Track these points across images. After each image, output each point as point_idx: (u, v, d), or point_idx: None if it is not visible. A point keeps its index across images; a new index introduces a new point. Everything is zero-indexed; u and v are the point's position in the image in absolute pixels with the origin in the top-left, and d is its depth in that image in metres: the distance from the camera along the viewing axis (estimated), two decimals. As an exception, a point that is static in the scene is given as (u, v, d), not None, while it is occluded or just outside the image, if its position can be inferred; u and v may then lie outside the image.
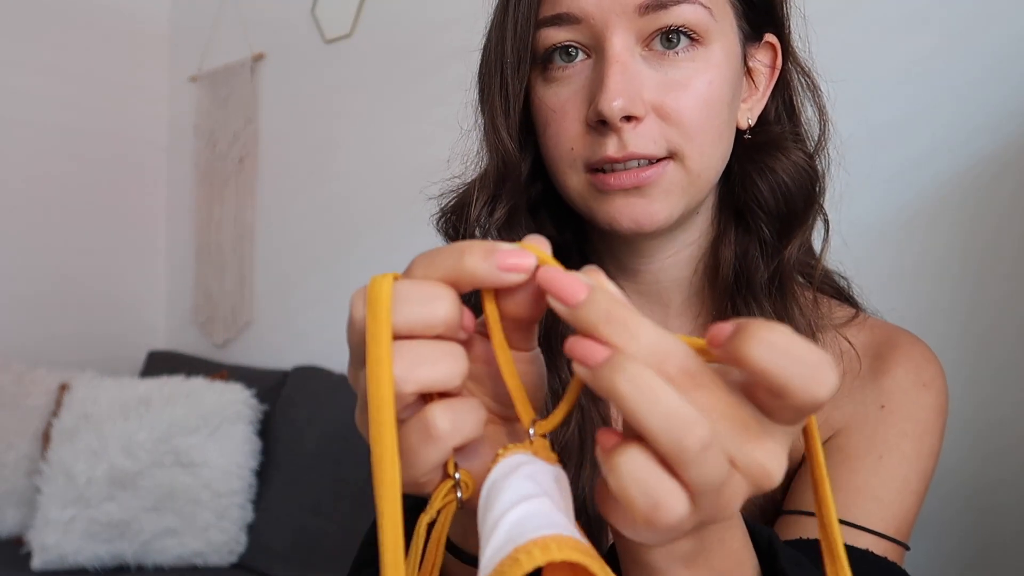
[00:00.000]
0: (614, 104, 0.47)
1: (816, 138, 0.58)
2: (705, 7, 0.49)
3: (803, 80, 0.58)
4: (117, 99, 2.59)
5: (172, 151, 2.72)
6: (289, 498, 1.81)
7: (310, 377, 1.99)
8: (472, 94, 0.59)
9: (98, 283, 2.55)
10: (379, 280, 0.30)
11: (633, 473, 0.27)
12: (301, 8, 2.25)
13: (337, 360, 2.06)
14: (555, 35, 0.50)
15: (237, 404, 1.87)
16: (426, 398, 0.32)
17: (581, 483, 0.53)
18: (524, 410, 0.33)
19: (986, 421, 1.14)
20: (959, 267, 1.17)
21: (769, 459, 0.29)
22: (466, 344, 0.33)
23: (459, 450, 0.33)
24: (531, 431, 0.32)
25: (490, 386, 0.35)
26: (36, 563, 1.73)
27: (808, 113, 0.59)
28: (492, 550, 0.27)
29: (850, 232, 1.25)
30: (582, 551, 0.26)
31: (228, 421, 1.83)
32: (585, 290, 0.28)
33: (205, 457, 1.78)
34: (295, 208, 2.31)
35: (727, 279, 0.56)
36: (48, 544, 1.72)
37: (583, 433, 0.54)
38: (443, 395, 0.32)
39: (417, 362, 0.29)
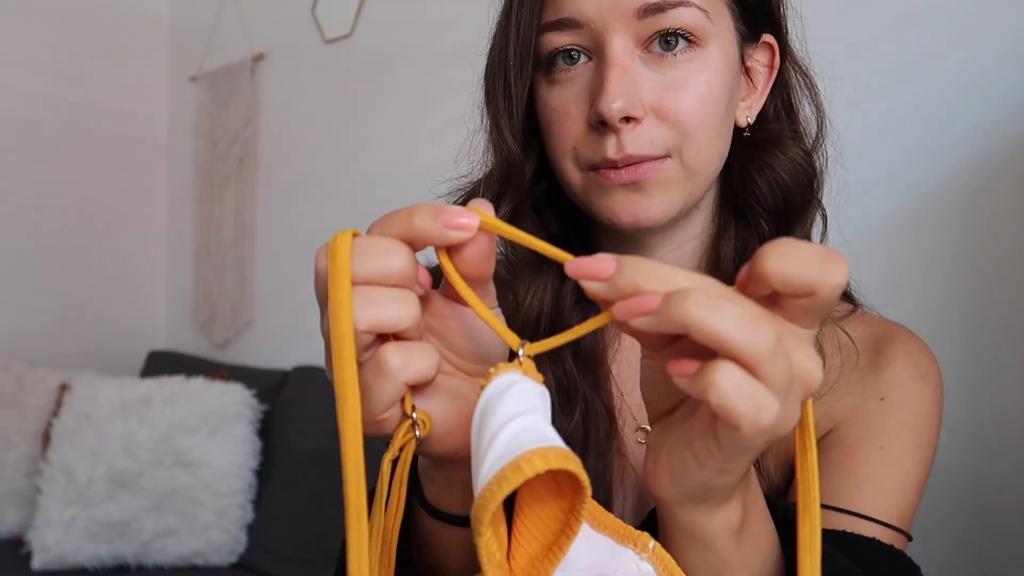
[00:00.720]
0: (614, 105, 0.48)
1: (814, 135, 0.59)
2: (702, 10, 0.50)
3: (800, 79, 0.59)
4: (117, 99, 2.59)
5: (172, 151, 2.72)
6: (289, 498, 1.81)
7: (310, 377, 1.99)
8: (478, 96, 0.60)
9: (98, 283, 2.55)
10: (340, 235, 0.34)
11: (733, 383, 0.29)
12: (301, 8, 2.25)
13: (337, 360, 2.06)
14: (557, 39, 0.52)
15: (237, 404, 1.87)
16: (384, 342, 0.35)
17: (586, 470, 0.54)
18: (506, 334, 0.36)
19: (981, 420, 1.14)
20: (956, 266, 1.17)
21: (808, 361, 0.32)
22: (424, 300, 0.36)
23: (417, 392, 0.37)
24: (520, 352, 0.35)
25: (450, 340, 0.38)
26: (36, 563, 1.73)
27: (806, 111, 0.60)
28: (493, 459, 0.30)
29: (847, 230, 1.25)
30: (574, 462, 0.30)
31: (228, 421, 1.83)
32: (613, 262, 0.31)
33: (205, 457, 1.78)
34: (295, 208, 2.31)
35: (728, 273, 0.57)
36: (48, 544, 1.72)
37: (587, 424, 0.56)
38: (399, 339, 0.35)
39: (369, 303, 0.33)
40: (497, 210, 0.55)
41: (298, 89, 2.30)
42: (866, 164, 1.25)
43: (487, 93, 0.58)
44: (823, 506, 0.51)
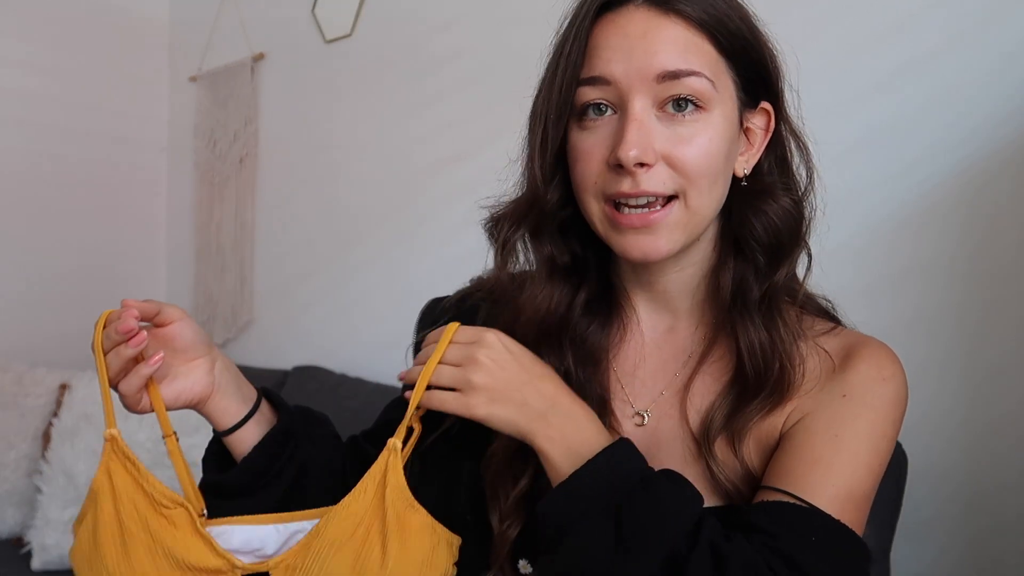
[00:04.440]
0: (631, 153, 0.59)
1: (804, 186, 0.69)
2: (709, 80, 0.61)
3: (794, 141, 0.69)
4: (117, 99, 2.59)
5: (172, 151, 2.72)
6: (289, 498, 1.81)
7: (310, 377, 1.99)
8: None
9: (98, 283, 2.55)
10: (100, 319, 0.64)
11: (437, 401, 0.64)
12: (301, 8, 2.25)
13: (337, 360, 2.06)
14: (590, 93, 0.62)
15: (237, 404, 1.86)
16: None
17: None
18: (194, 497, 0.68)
19: (984, 422, 1.14)
20: (956, 267, 1.17)
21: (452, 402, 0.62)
22: (153, 338, 0.66)
23: (162, 380, 0.67)
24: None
25: (169, 353, 0.67)
26: (36, 563, 1.73)
27: (799, 167, 0.70)
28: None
29: (848, 231, 1.25)
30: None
31: (228, 421, 1.83)
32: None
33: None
34: (295, 208, 2.31)
35: (726, 297, 0.68)
36: (48, 544, 1.72)
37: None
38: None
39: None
40: (518, 230, 0.70)
41: (298, 89, 2.30)
42: (868, 165, 1.25)
43: (530, 132, 0.68)
44: (771, 488, 0.60)
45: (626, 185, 0.61)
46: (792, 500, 0.58)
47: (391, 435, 0.65)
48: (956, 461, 1.16)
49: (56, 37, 2.43)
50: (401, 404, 0.78)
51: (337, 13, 2.15)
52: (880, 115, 1.24)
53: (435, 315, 0.79)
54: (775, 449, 0.64)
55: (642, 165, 0.60)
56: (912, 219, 1.21)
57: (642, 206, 0.62)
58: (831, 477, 0.59)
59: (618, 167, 0.61)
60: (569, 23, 0.65)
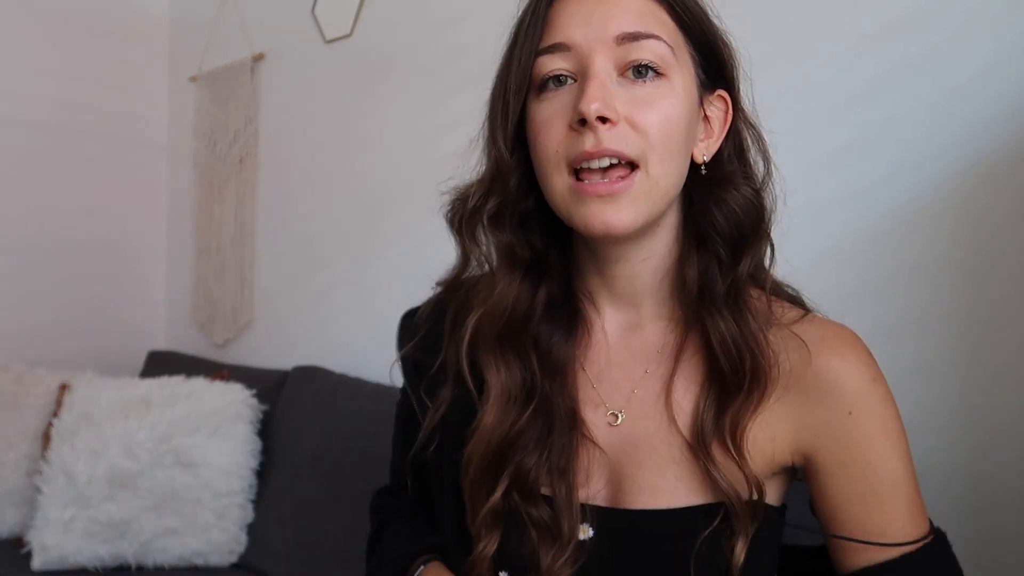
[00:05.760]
0: (592, 106, 0.58)
1: (762, 176, 0.69)
2: (668, 45, 0.62)
3: (750, 132, 0.70)
4: (117, 99, 2.59)
5: (172, 151, 2.72)
6: (289, 498, 1.81)
7: (310, 377, 1.99)
8: (479, 106, 0.70)
9: (98, 283, 2.55)
10: None
11: None
12: (301, 8, 2.25)
13: (337, 360, 2.06)
14: (550, 62, 0.62)
15: (237, 404, 1.86)
16: None
17: (548, 455, 0.66)
18: None
19: (972, 420, 1.14)
20: (945, 267, 1.17)
21: None
22: None
23: None
24: None
25: None
26: (36, 563, 1.73)
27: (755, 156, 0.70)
28: None
29: (839, 232, 1.25)
30: None
31: (228, 421, 1.83)
32: None
33: (205, 457, 1.78)
34: (295, 208, 2.31)
35: (693, 292, 0.67)
36: (48, 544, 1.72)
37: (551, 420, 0.65)
38: None
39: None
40: (486, 203, 0.67)
41: (298, 89, 2.30)
42: (856, 169, 1.25)
43: (490, 110, 0.68)
44: (855, 540, 0.62)
45: (588, 143, 0.59)
46: (892, 550, 0.61)
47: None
48: (944, 462, 1.16)
49: (56, 37, 2.43)
50: (406, 444, 0.77)
51: (337, 13, 2.15)
52: (868, 120, 1.24)
53: (412, 328, 0.78)
54: (770, 453, 0.65)
55: (605, 121, 0.59)
56: (900, 223, 1.21)
57: (604, 169, 0.61)
58: (897, 505, 0.62)
59: (580, 123, 0.60)
60: (528, 5, 0.66)
